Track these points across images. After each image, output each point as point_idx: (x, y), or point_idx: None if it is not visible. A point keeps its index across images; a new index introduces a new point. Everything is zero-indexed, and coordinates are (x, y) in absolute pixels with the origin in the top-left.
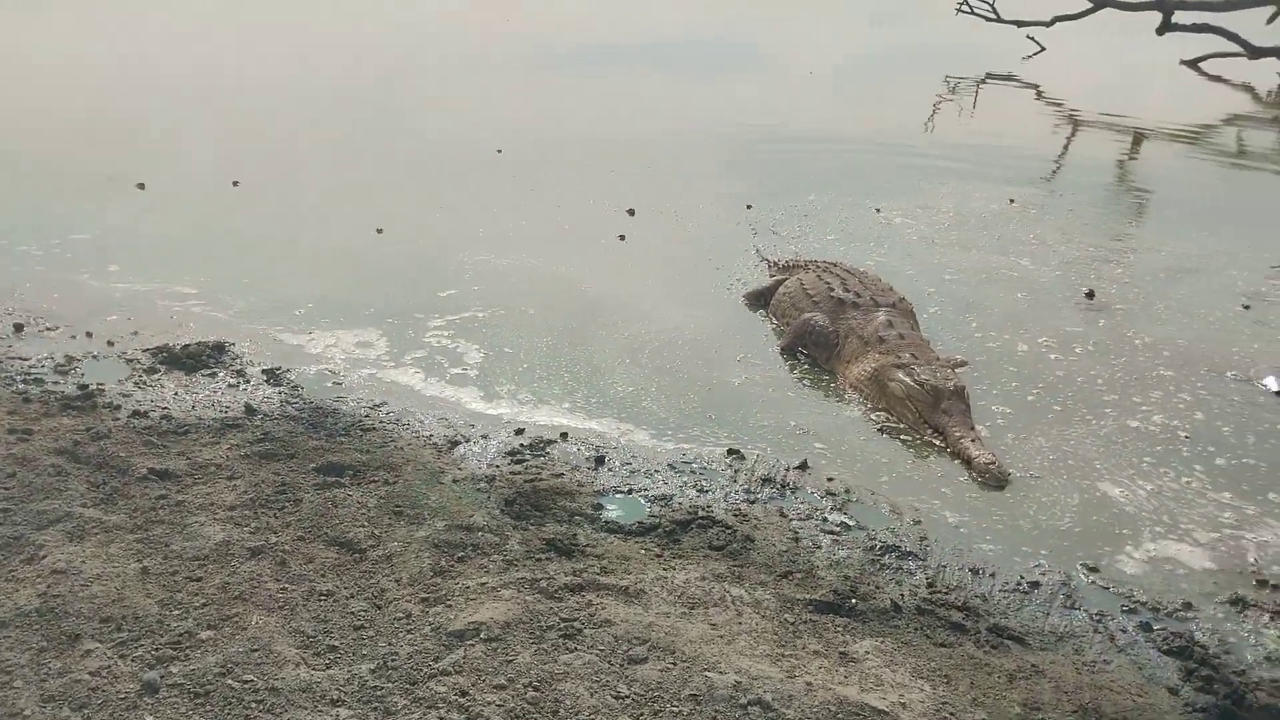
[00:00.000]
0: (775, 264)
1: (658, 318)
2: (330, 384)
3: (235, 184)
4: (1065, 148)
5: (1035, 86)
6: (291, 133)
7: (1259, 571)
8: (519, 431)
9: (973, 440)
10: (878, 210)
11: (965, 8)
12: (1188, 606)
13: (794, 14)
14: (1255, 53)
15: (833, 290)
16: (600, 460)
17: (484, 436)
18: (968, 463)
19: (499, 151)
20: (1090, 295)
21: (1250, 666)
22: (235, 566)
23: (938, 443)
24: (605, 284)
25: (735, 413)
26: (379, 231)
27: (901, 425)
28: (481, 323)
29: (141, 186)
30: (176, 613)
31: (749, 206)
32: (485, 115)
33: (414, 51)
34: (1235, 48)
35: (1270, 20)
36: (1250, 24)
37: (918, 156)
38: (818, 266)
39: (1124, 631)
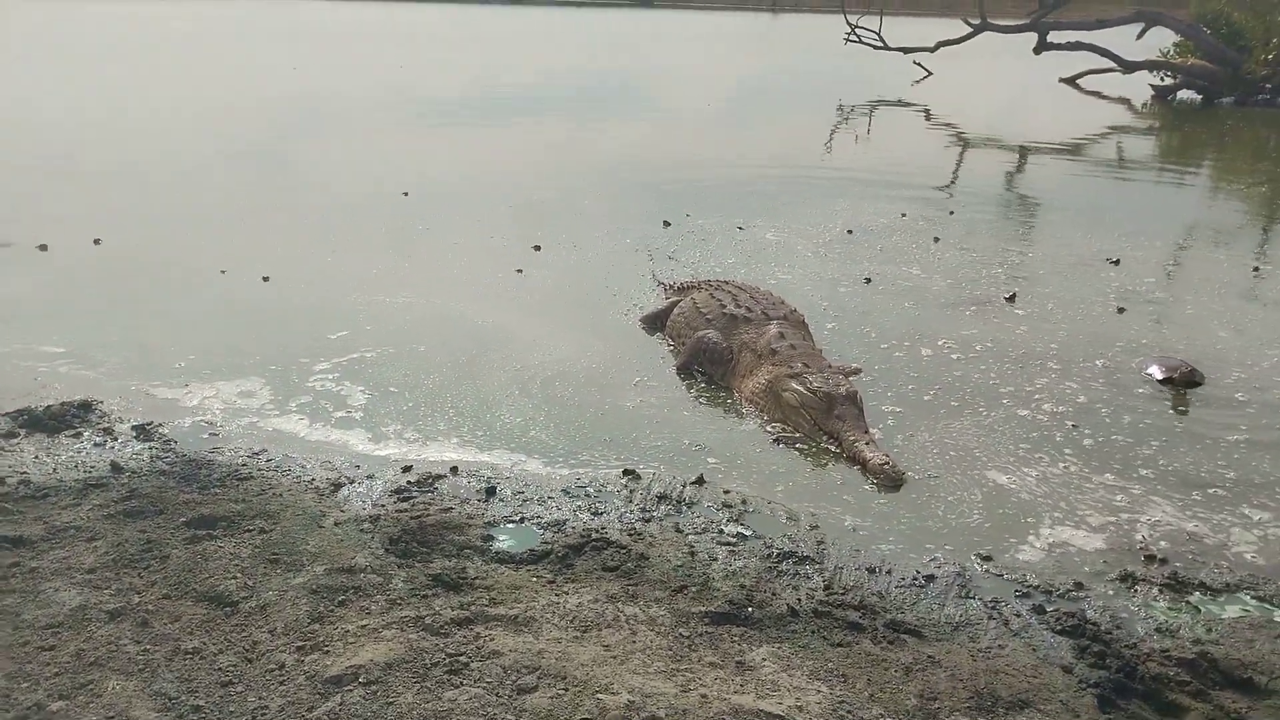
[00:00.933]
0: (670, 286)
1: (551, 348)
2: (206, 435)
3: (97, 241)
4: (957, 165)
5: (925, 109)
6: (174, 186)
7: (1147, 548)
8: (406, 469)
9: (866, 443)
10: (740, 229)
11: (853, 36)
12: (1079, 587)
13: (690, 51)
14: (1128, 67)
15: (725, 306)
16: (491, 491)
17: (369, 477)
18: (863, 465)
19: (405, 194)
20: (1011, 299)
21: (1141, 639)
22: (92, 631)
23: (833, 449)
24: (500, 318)
25: (630, 435)
26: (265, 279)
27: (798, 435)
28: (369, 363)
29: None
30: (25, 685)
31: (666, 224)
32: (387, 165)
33: (311, 104)
34: (1110, 63)
35: (1140, 36)
36: (1122, 40)
37: (815, 179)
38: (710, 285)
39: (1018, 616)
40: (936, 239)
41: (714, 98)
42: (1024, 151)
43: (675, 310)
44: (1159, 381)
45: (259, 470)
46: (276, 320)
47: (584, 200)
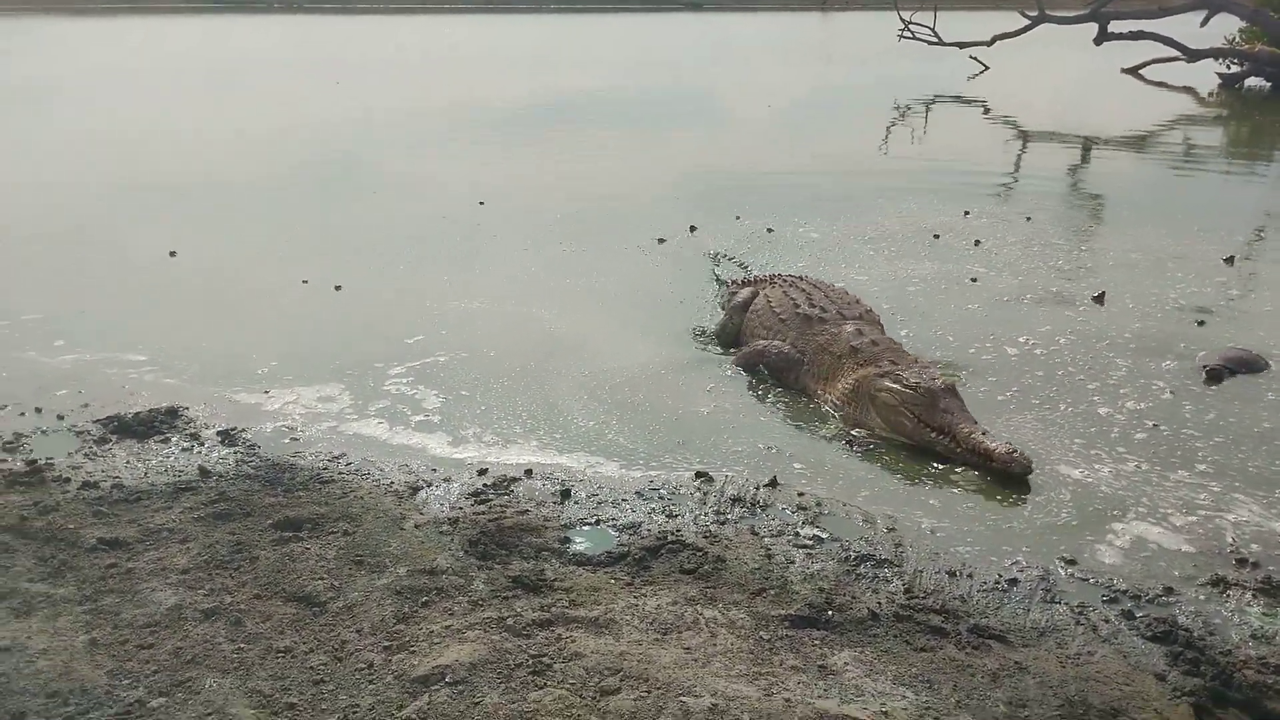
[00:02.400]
0: (735, 282)
1: (621, 353)
2: (288, 440)
3: (172, 254)
4: (1017, 161)
5: (983, 103)
6: (247, 201)
7: (1237, 550)
8: (482, 472)
9: (984, 433)
10: (769, 230)
11: (907, 33)
12: (1169, 591)
13: (749, 59)
14: (1193, 56)
15: (799, 306)
16: (566, 494)
17: (446, 480)
18: (986, 456)
19: (481, 203)
20: (1099, 298)
21: (1236, 646)
22: (188, 630)
23: (941, 447)
24: (570, 323)
25: (702, 438)
26: (338, 289)
27: (872, 437)
28: (443, 368)
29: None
30: (126, 682)
31: (693, 228)
32: (457, 176)
33: (374, 120)
34: (1174, 52)
35: (1204, 23)
36: (1186, 28)
37: (874, 178)
38: (784, 281)
39: (1106, 621)
40: (977, 241)
41: (773, 101)
42: (1088, 144)
43: (750, 312)
44: (1208, 369)
45: (340, 474)
46: (353, 327)
47: (653, 208)
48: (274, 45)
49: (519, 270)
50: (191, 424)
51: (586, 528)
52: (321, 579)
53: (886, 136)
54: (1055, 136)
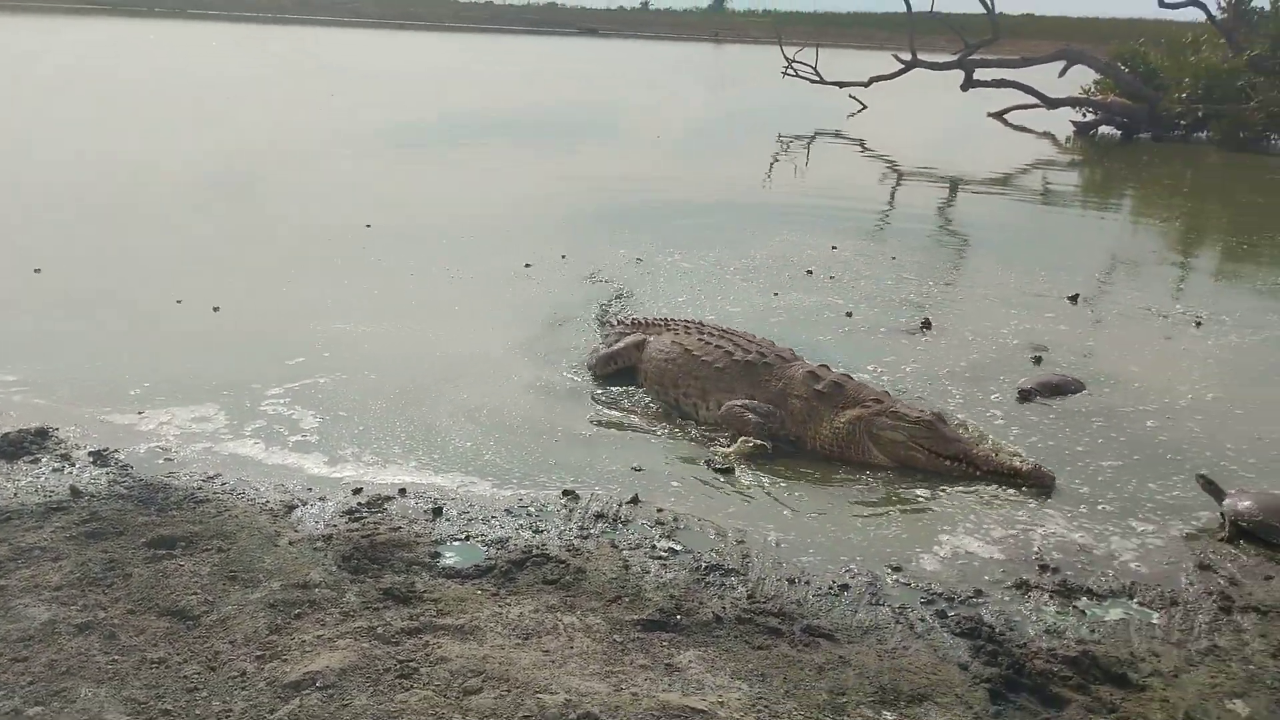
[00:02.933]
0: (624, 323)
1: (504, 376)
2: (162, 461)
3: (37, 271)
4: (891, 197)
5: (861, 141)
6: (127, 220)
7: (1041, 558)
8: (357, 491)
9: (996, 452)
10: (639, 260)
11: (790, 71)
12: (979, 593)
13: (642, 85)
14: (1052, 104)
15: (734, 354)
16: (438, 511)
17: (321, 499)
18: (1014, 475)
19: (368, 226)
20: (926, 324)
21: (1031, 640)
22: (62, 644)
23: (958, 472)
24: (454, 347)
25: (578, 460)
26: (215, 309)
27: (731, 457)
28: (323, 389)
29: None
30: (1, 693)
31: (563, 256)
32: (342, 196)
33: (262, 137)
34: (1035, 100)
35: (1062, 74)
36: (1046, 78)
37: (753, 209)
38: (681, 326)
39: (922, 620)
40: (831, 276)
41: (664, 129)
42: (955, 184)
43: (648, 356)
44: (1021, 391)
45: (215, 493)
46: (232, 348)
47: (534, 229)
48: (162, 51)
49: (403, 292)
50: (62, 445)
51: (457, 543)
52: (195, 594)
53: (770, 169)
54: (926, 174)
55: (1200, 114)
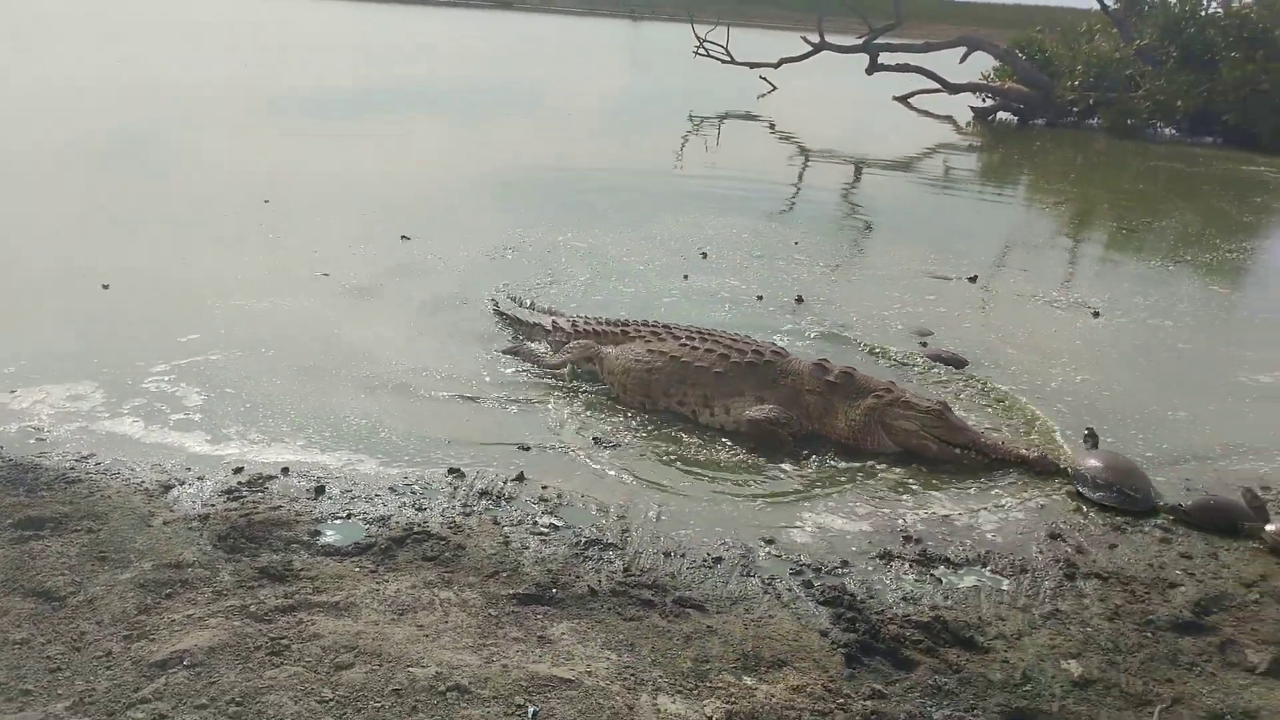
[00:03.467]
0: (566, 330)
1: (406, 354)
2: (33, 440)
3: None
4: (799, 178)
5: (771, 123)
6: (4, 187)
7: (906, 530)
8: (238, 470)
9: (1003, 441)
10: (560, 241)
11: (702, 50)
12: (844, 564)
13: (555, 60)
14: (953, 89)
15: (729, 356)
16: (320, 490)
17: (200, 478)
18: (1022, 463)
19: (266, 201)
20: (799, 300)
21: (889, 606)
22: None
23: (967, 460)
24: (356, 324)
25: (473, 438)
26: (105, 287)
27: (619, 435)
28: (215, 366)
29: None
30: None
31: (404, 237)
32: (244, 166)
33: (162, 101)
34: (937, 85)
35: (963, 60)
36: (947, 63)
37: (660, 189)
38: (654, 331)
39: (789, 590)
40: (760, 255)
41: (575, 107)
42: (860, 166)
43: (619, 364)
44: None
45: (88, 473)
46: (118, 324)
47: (447, 205)
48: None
49: (304, 268)
50: None
51: (338, 521)
52: (62, 575)
53: (681, 149)
54: (833, 156)
55: (1091, 101)
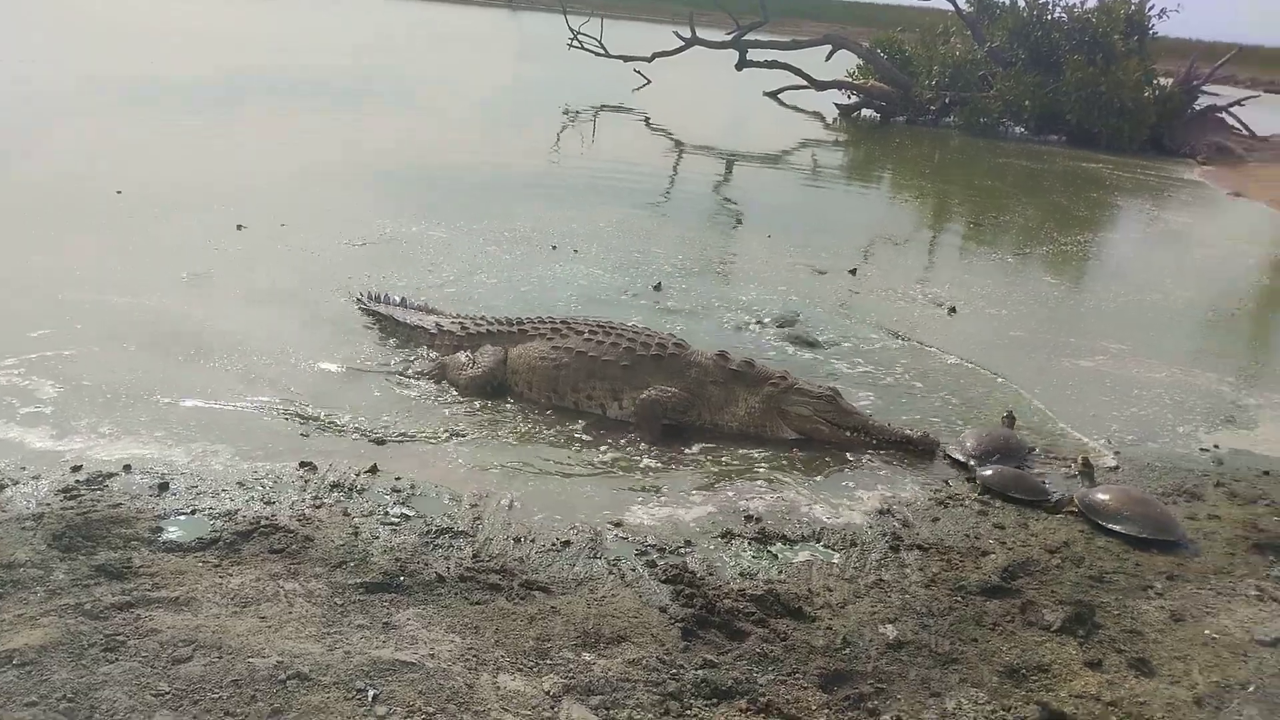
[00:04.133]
0: (451, 333)
1: (263, 349)
2: None
3: None
4: (674, 170)
5: (645, 117)
6: None
7: (748, 510)
8: (76, 468)
9: (889, 424)
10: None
11: (576, 43)
12: (688, 544)
13: (431, 50)
14: (820, 86)
15: (636, 349)
16: (164, 487)
17: (35, 477)
18: (908, 442)
19: (119, 192)
20: (657, 288)
21: (726, 583)
22: None
23: (857, 442)
24: (214, 319)
25: (325, 431)
26: None
27: (466, 422)
28: (65, 362)
29: None
30: None
31: (240, 227)
32: (99, 158)
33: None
34: (804, 81)
35: (828, 58)
36: (814, 61)
37: (527, 180)
38: (554, 328)
39: (633, 570)
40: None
41: (450, 98)
42: (731, 160)
43: (524, 362)
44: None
45: None
46: None
47: (308, 197)
48: None
49: (163, 262)
50: None
51: (182, 517)
52: None
53: (556, 141)
54: (705, 149)
55: (947, 100)
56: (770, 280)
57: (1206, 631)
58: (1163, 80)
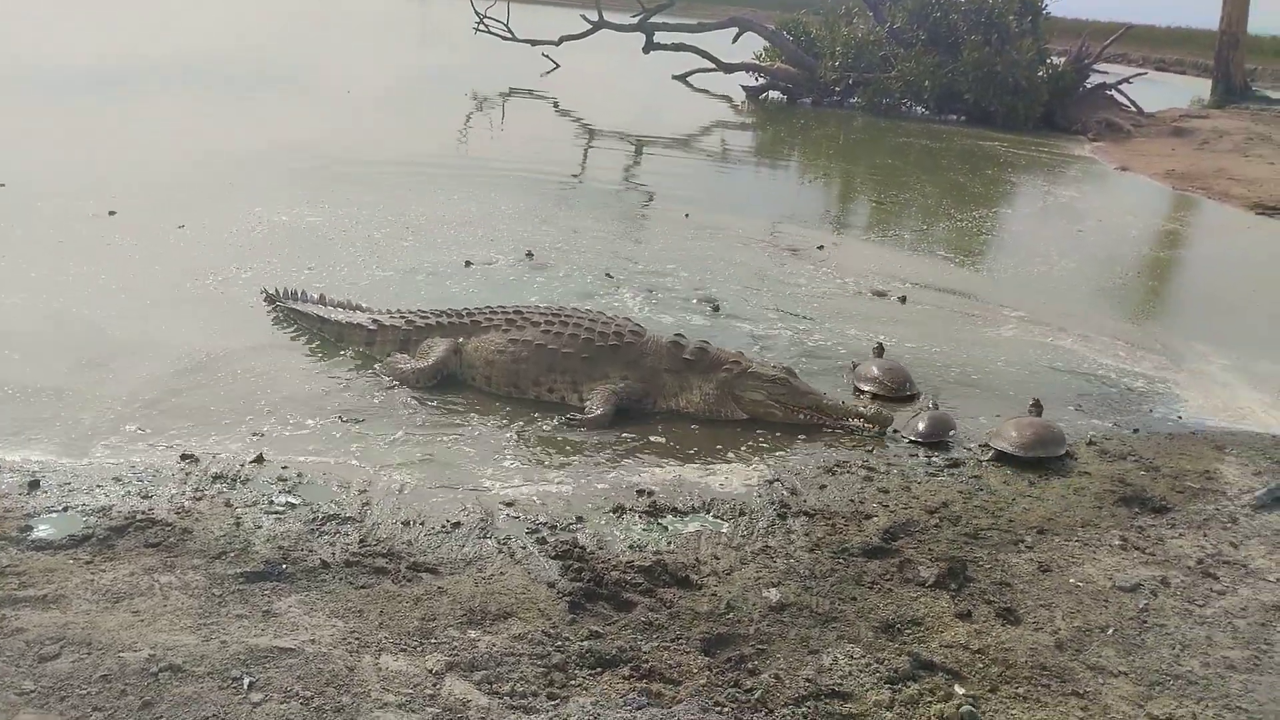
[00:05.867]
0: (395, 328)
1: (153, 345)
2: None
3: None
4: (584, 157)
5: (554, 101)
6: None
7: (640, 485)
8: None
9: (842, 402)
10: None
11: (482, 27)
12: (579, 520)
13: (335, 36)
14: (727, 68)
15: (594, 339)
16: (34, 484)
17: None
18: (860, 417)
19: (1, 185)
20: (530, 255)
21: (615, 556)
22: None
23: (812, 421)
24: (106, 320)
25: (209, 420)
26: None
27: (362, 414)
28: None
29: None
30: None
31: (111, 212)
32: None
33: None
34: (711, 64)
35: (735, 40)
36: (721, 44)
37: (429, 167)
38: (509, 319)
39: (524, 548)
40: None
41: (355, 85)
42: (640, 143)
43: (480, 355)
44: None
45: None
46: None
47: (206, 187)
48: None
49: (51, 264)
50: None
51: (53, 515)
52: None
53: (464, 128)
54: (615, 133)
55: (850, 81)
56: (687, 255)
57: (1071, 580)
58: (1055, 59)
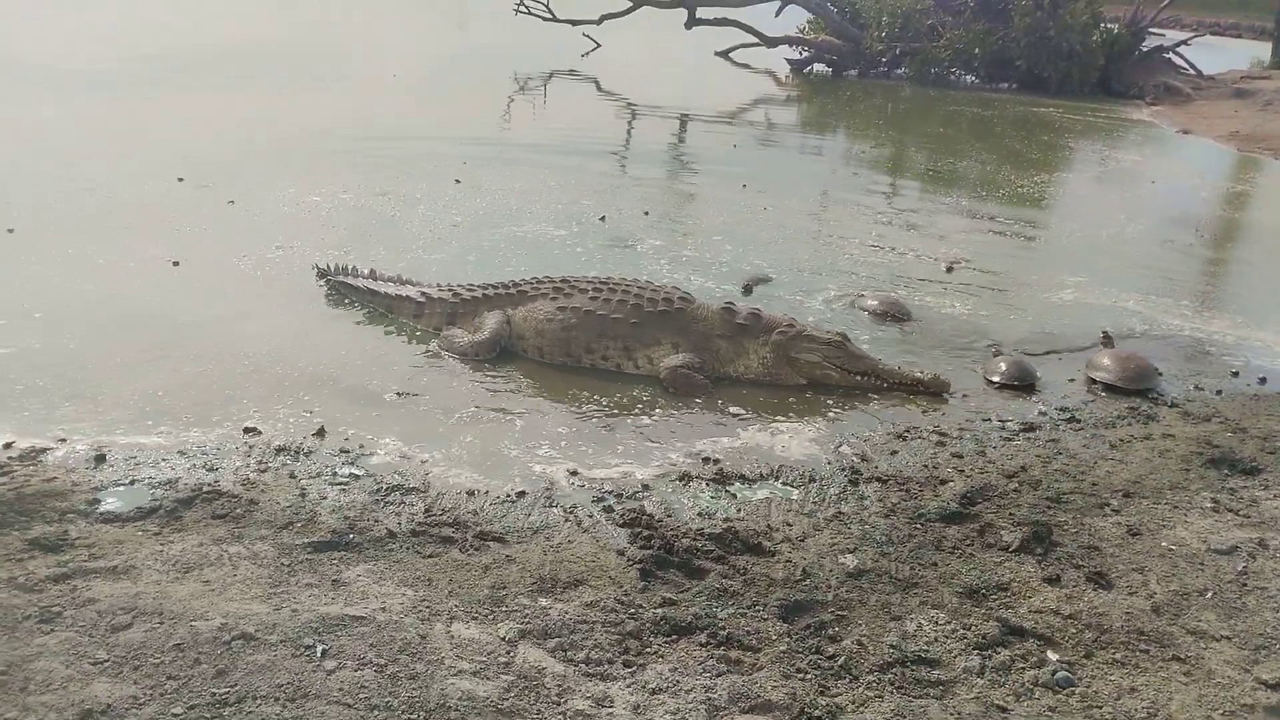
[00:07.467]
0: (443, 300)
1: (207, 316)
2: None
3: None
4: (628, 134)
5: (595, 80)
6: None
7: (705, 453)
8: (7, 445)
9: (899, 367)
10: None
11: (523, 8)
12: (645, 488)
13: (376, 20)
14: (770, 42)
15: (644, 305)
16: (101, 459)
17: None
18: (918, 384)
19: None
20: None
21: (684, 523)
22: None
23: (869, 384)
24: (167, 302)
25: (272, 396)
26: None
27: (410, 388)
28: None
29: None
30: None
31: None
32: (34, 144)
33: None
34: (754, 39)
35: (778, 14)
36: (764, 17)
37: (496, 149)
38: (556, 288)
39: (590, 516)
40: (603, 218)
41: (400, 69)
42: (685, 120)
43: (530, 325)
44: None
45: None
46: None
47: (258, 170)
48: None
49: (112, 250)
50: None
51: (120, 488)
52: None
53: (508, 108)
54: (659, 111)
55: (898, 51)
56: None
57: (1163, 544)
58: (1109, 24)
